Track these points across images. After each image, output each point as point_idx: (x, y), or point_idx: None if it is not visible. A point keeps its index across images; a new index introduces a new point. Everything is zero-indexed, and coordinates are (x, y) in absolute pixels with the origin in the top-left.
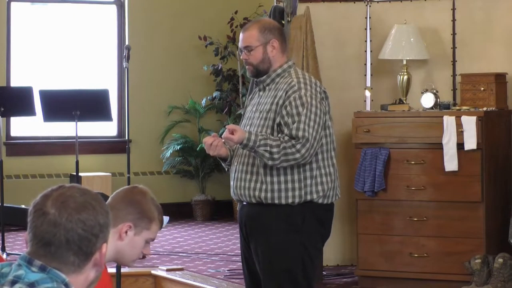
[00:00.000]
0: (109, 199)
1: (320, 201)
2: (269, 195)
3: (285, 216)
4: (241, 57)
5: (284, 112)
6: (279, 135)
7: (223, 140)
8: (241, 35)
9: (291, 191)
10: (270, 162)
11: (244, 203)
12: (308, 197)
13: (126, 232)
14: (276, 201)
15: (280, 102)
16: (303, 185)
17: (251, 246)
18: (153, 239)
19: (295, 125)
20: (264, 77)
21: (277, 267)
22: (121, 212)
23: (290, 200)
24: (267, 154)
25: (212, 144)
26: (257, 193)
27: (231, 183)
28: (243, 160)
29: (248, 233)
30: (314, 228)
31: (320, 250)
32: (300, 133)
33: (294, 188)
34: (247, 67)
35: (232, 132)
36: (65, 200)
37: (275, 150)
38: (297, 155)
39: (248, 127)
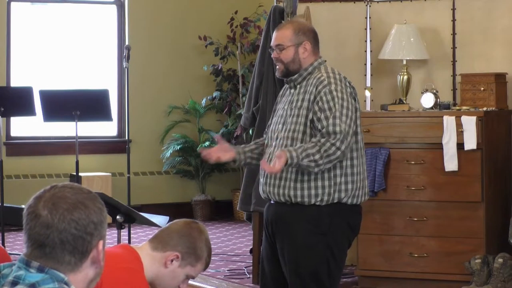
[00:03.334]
0: (168, 224)
1: (350, 201)
2: (298, 193)
3: (312, 218)
4: (271, 56)
5: (316, 108)
6: (313, 139)
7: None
8: (274, 33)
9: (321, 188)
10: (316, 169)
11: (272, 201)
12: (336, 196)
13: (171, 261)
14: (306, 200)
15: (312, 98)
16: (333, 183)
17: (277, 245)
18: (193, 277)
19: (330, 121)
20: (296, 76)
21: (303, 269)
22: (173, 241)
23: (319, 198)
24: (312, 164)
25: (205, 155)
26: (286, 191)
27: (260, 180)
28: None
29: (274, 231)
30: (341, 230)
31: (345, 252)
32: (337, 128)
33: (324, 186)
34: (277, 66)
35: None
36: (57, 201)
37: (317, 156)
38: (338, 153)
39: (280, 125)
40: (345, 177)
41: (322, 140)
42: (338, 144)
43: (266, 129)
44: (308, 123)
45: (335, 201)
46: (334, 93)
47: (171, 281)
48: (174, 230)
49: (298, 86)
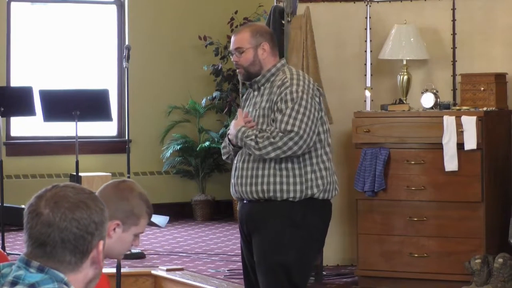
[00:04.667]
0: (96, 194)
1: (321, 196)
2: (271, 187)
3: (285, 212)
4: (232, 59)
5: (275, 108)
6: (268, 127)
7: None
8: (232, 38)
9: (292, 185)
10: (257, 152)
11: (245, 201)
12: (309, 192)
13: (114, 229)
14: (278, 195)
15: (274, 98)
16: (304, 180)
17: (253, 243)
18: (142, 233)
19: (280, 118)
20: (259, 77)
21: (275, 262)
22: (109, 210)
23: (291, 195)
24: (253, 143)
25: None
26: (259, 187)
27: (232, 181)
28: (243, 158)
29: (249, 231)
30: (315, 224)
31: (319, 246)
32: (283, 126)
33: (295, 182)
34: (238, 70)
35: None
36: (59, 200)
37: (260, 140)
38: (280, 144)
39: None
40: (315, 174)
41: (275, 130)
42: (285, 139)
43: None
44: (271, 123)
45: (308, 197)
46: (295, 94)
47: (122, 247)
48: (106, 199)
49: (262, 87)
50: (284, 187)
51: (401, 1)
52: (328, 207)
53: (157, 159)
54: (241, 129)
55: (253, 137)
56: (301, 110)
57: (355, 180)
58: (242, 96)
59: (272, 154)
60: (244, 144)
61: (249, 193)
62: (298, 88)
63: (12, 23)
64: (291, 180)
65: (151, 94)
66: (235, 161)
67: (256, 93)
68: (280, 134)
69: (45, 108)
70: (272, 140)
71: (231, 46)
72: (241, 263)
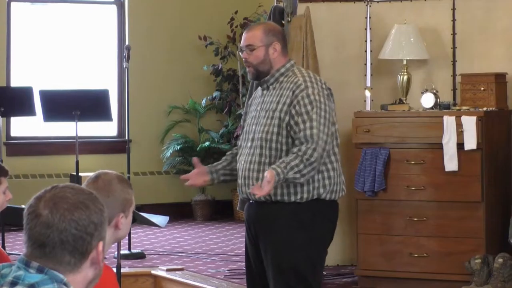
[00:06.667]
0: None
1: (328, 197)
2: (278, 191)
3: (293, 214)
4: (242, 56)
5: (293, 112)
6: (293, 149)
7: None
8: (244, 34)
9: (299, 186)
10: (302, 180)
11: (251, 201)
12: (315, 192)
13: (121, 219)
14: (285, 198)
15: (288, 101)
16: (311, 181)
17: (260, 245)
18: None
19: (307, 124)
20: (268, 76)
21: (285, 265)
22: (110, 210)
23: (298, 196)
24: (298, 175)
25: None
26: None
27: (238, 181)
28: (250, 159)
29: (256, 232)
30: (323, 224)
31: (327, 246)
32: (314, 131)
33: (302, 184)
34: (248, 69)
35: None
36: (58, 201)
37: (301, 166)
38: (319, 158)
39: (253, 126)
40: (322, 174)
41: (303, 148)
42: (318, 149)
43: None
44: (283, 125)
45: (314, 197)
46: (312, 96)
47: (127, 229)
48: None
49: (271, 87)
50: (291, 189)
51: (401, 1)
52: (335, 207)
53: (157, 159)
54: (277, 174)
55: (295, 169)
56: (322, 113)
57: (355, 180)
58: (243, 97)
59: (313, 172)
60: (285, 180)
61: (255, 195)
62: (314, 91)
63: (12, 23)
64: None
65: (151, 94)
66: (239, 158)
67: (265, 92)
68: (308, 145)
69: (45, 108)
70: (312, 159)
71: (242, 43)
72: (241, 263)
